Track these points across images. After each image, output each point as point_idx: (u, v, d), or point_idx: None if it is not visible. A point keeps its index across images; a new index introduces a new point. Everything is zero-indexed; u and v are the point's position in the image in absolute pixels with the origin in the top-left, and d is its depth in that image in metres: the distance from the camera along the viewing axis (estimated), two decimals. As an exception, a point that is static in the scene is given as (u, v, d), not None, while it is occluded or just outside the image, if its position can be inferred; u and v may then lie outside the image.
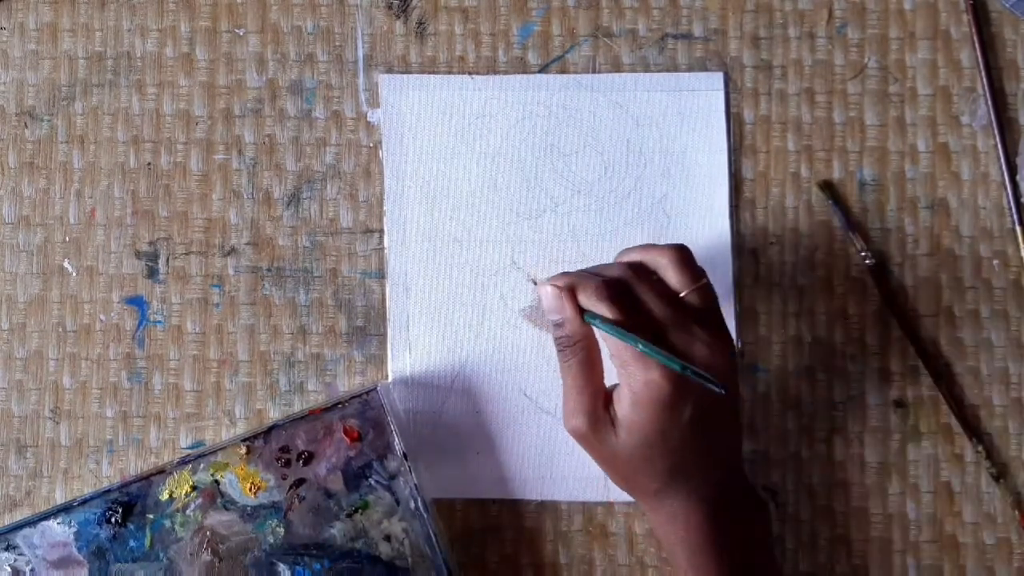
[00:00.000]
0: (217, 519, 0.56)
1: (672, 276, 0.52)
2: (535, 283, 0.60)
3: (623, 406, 0.51)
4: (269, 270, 0.60)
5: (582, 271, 0.54)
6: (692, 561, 0.52)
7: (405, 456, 0.57)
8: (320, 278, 0.60)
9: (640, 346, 0.49)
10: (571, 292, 0.52)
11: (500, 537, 0.60)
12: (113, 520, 0.56)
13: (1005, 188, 0.60)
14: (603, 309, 0.51)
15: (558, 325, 0.53)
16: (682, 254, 0.53)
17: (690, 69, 0.61)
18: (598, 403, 0.52)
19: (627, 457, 0.51)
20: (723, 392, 0.48)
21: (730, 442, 0.54)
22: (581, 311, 0.52)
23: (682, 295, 0.52)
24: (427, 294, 0.60)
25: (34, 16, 0.61)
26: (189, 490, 0.57)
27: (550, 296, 0.53)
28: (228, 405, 0.60)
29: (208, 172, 0.61)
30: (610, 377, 0.53)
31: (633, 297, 0.52)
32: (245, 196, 0.61)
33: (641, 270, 0.53)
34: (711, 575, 0.52)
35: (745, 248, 0.61)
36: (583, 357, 0.52)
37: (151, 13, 0.61)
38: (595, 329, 0.52)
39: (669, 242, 0.54)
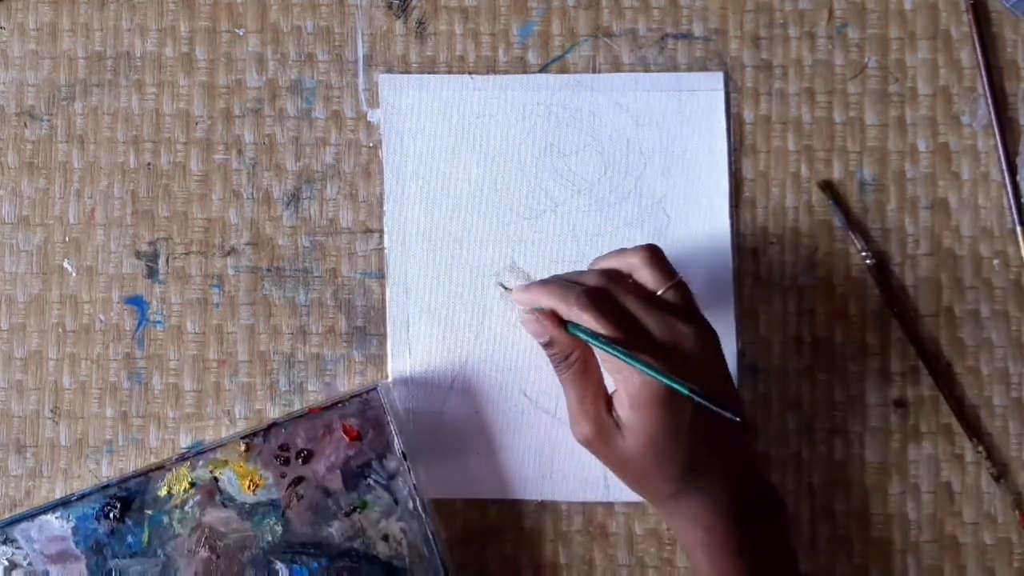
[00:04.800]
0: (215, 516, 0.56)
1: (647, 276, 0.53)
2: (504, 288, 0.60)
3: (624, 409, 0.51)
4: (269, 270, 0.60)
5: (556, 278, 0.54)
6: (714, 562, 0.51)
7: (404, 456, 0.57)
8: (320, 278, 0.60)
9: (639, 366, 0.49)
10: (551, 313, 0.53)
11: (500, 537, 0.59)
12: (111, 515, 0.56)
13: (1005, 188, 0.60)
14: (587, 319, 0.51)
15: (546, 345, 0.53)
16: (654, 253, 0.53)
17: (690, 69, 0.61)
18: (600, 409, 0.52)
19: (637, 460, 0.51)
20: (738, 420, 0.48)
21: (738, 438, 0.54)
22: (564, 324, 0.52)
23: (659, 293, 0.52)
24: (427, 294, 0.60)
25: (34, 16, 0.62)
26: (188, 487, 0.56)
27: (530, 322, 0.53)
28: (228, 405, 0.60)
29: (208, 172, 0.61)
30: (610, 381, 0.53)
31: (614, 302, 0.52)
32: (245, 196, 0.61)
33: (616, 275, 0.53)
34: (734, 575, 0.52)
35: (745, 248, 0.61)
36: (578, 368, 0.52)
37: (151, 13, 0.62)
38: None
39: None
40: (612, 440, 0.51)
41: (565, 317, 0.52)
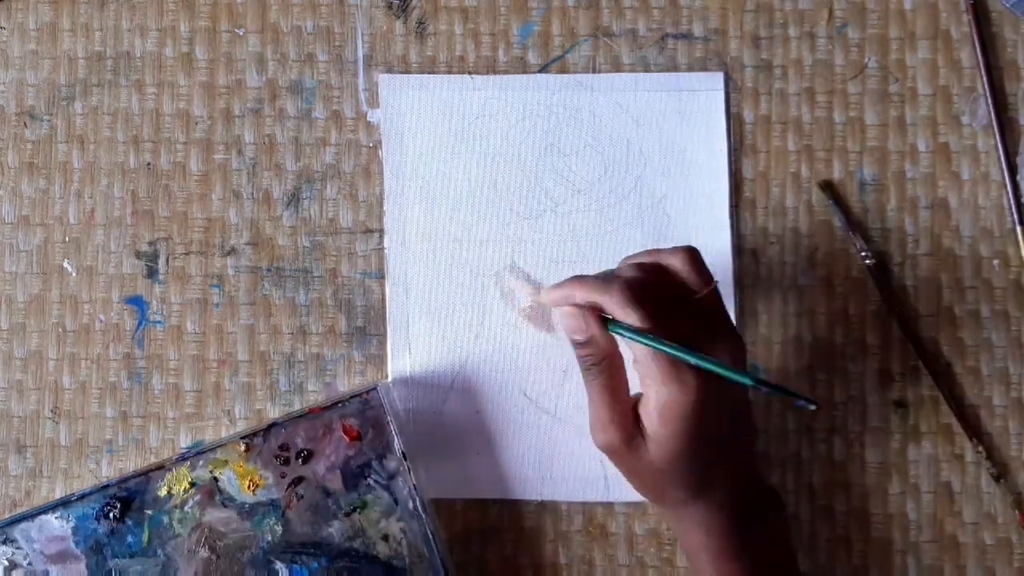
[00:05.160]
0: (215, 516, 0.56)
1: (687, 278, 0.51)
2: (540, 290, 0.59)
3: (651, 420, 0.49)
4: (269, 270, 0.60)
5: (587, 278, 0.53)
6: (716, 565, 0.51)
7: (404, 456, 0.57)
8: (320, 278, 0.60)
9: (693, 359, 0.47)
10: (592, 309, 0.51)
11: (500, 537, 0.59)
12: (111, 515, 0.56)
13: (1005, 188, 0.60)
14: (633, 316, 0.49)
15: (582, 344, 0.51)
16: (694, 256, 0.51)
17: (690, 69, 0.61)
18: (627, 417, 0.50)
19: (656, 470, 0.50)
20: (815, 408, 0.47)
21: (748, 445, 0.54)
22: (604, 323, 0.51)
23: (697, 296, 0.51)
24: (427, 294, 0.60)
25: (34, 16, 0.62)
26: (188, 487, 0.56)
27: (570, 317, 0.51)
28: (228, 405, 0.60)
29: (208, 172, 0.61)
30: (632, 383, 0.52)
31: (656, 300, 0.50)
32: (245, 196, 0.61)
33: (654, 269, 0.51)
34: None
35: (745, 248, 0.61)
36: (610, 372, 0.51)
37: (151, 13, 0.62)
38: (618, 338, 0.50)
39: (675, 244, 0.52)
40: (635, 449, 0.50)
41: (608, 311, 0.50)
